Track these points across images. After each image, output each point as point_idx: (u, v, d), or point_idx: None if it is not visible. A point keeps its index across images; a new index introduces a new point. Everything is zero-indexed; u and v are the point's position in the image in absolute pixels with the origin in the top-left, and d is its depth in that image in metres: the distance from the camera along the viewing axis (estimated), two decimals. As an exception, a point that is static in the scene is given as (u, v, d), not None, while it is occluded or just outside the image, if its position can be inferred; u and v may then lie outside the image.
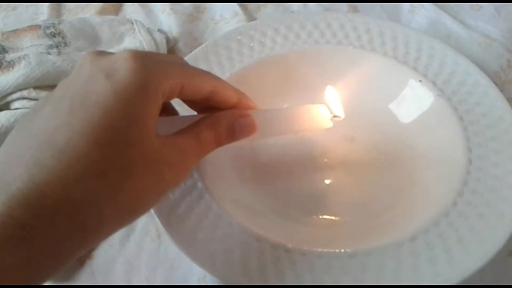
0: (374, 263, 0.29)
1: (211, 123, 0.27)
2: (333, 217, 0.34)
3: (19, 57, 0.42)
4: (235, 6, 0.53)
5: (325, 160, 0.38)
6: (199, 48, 0.41)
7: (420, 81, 0.38)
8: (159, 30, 0.50)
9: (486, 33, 0.48)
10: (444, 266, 0.28)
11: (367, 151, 0.38)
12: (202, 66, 0.39)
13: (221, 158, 0.35)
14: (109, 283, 0.34)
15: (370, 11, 0.52)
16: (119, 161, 0.22)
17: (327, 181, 0.37)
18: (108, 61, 0.23)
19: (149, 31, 0.48)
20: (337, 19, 0.42)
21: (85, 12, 0.55)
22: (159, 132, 0.24)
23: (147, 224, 0.36)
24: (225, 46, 0.41)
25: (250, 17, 0.52)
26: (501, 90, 0.37)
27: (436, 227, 0.30)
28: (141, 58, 0.23)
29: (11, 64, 0.42)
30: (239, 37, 0.42)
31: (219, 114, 0.28)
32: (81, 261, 0.35)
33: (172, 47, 0.50)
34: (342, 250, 0.29)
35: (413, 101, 0.39)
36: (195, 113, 0.30)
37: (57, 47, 0.45)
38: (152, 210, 0.31)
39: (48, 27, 0.46)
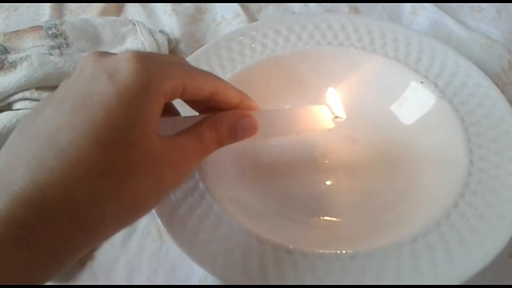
0: (375, 264, 0.29)
1: (213, 123, 0.27)
2: (334, 218, 0.34)
3: (21, 58, 0.42)
4: (236, 7, 0.53)
5: (326, 161, 0.38)
6: (201, 49, 0.41)
7: (422, 82, 0.38)
8: (161, 31, 0.50)
9: (487, 34, 0.48)
10: (445, 267, 0.28)
11: (368, 152, 0.38)
12: (204, 67, 0.39)
13: (222, 159, 0.35)
14: (111, 284, 0.34)
15: (371, 12, 0.52)
16: (121, 162, 0.22)
17: (328, 182, 0.37)
18: (110, 62, 0.23)
19: (150, 32, 0.48)
20: (339, 20, 0.42)
21: (87, 13, 0.55)
22: (161, 133, 0.24)
23: (149, 225, 0.36)
24: (227, 47, 0.41)
25: (252, 18, 0.52)
26: (502, 91, 0.37)
27: (437, 229, 0.30)
28: (143, 58, 0.23)
29: (13, 65, 0.42)
30: (240, 38, 0.42)
31: (220, 115, 0.28)
32: (83, 262, 0.35)
33: (173, 48, 0.50)
34: (343, 251, 0.29)
35: (414, 103, 0.39)
36: (197, 113, 0.30)
37: (59, 48, 0.45)
38: (153, 211, 0.31)
39: (50, 28, 0.46)
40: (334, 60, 0.41)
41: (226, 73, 0.39)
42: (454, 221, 0.30)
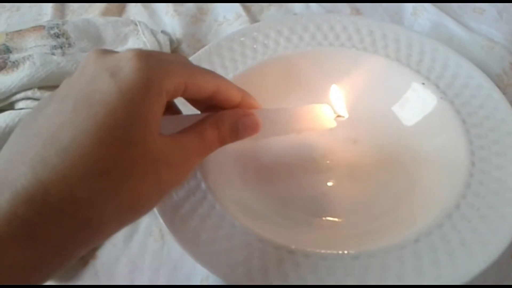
0: (377, 264, 0.29)
1: (215, 121, 0.27)
2: (336, 219, 0.34)
3: (23, 58, 0.42)
4: (238, 8, 0.53)
5: (328, 162, 0.38)
6: (203, 49, 0.41)
7: (423, 83, 0.38)
8: (163, 32, 0.50)
9: (488, 36, 0.48)
10: (447, 268, 0.28)
11: (370, 153, 0.38)
12: (205, 67, 0.39)
13: (224, 159, 0.35)
14: (112, 283, 0.34)
15: (373, 13, 0.52)
16: (122, 161, 0.22)
17: (330, 183, 0.37)
18: (112, 60, 0.23)
19: (152, 32, 0.48)
20: (340, 21, 0.43)
21: (89, 13, 0.55)
22: (162, 131, 0.24)
23: (151, 225, 0.36)
24: (228, 48, 0.41)
25: (253, 19, 0.52)
26: (504, 93, 0.37)
27: (439, 229, 0.30)
28: (145, 57, 0.23)
29: (15, 64, 0.42)
30: (242, 39, 0.42)
31: (222, 113, 0.28)
32: (85, 261, 0.35)
33: (175, 48, 0.50)
34: (346, 252, 0.29)
35: (416, 104, 0.39)
36: (199, 112, 0.30)
37: (61, 47, 0.45)
38: (155, 210, 0.31)
39: (52, 28, 0.46)
40: (335, 61, 0.41)
41: (228, 74, 0.39)
42: (456, 222, 0.30)
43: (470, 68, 0.38)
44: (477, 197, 0.31)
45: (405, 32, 0.41)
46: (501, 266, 0.32)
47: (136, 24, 0.49)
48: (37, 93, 0.41)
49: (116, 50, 0.46)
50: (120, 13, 0.56)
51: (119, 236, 0.36)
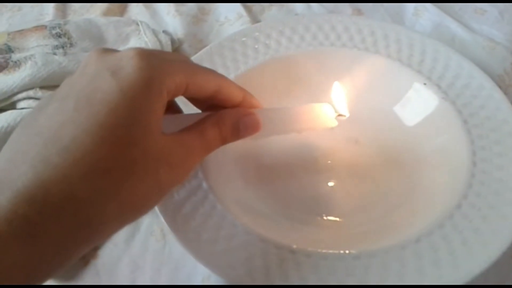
0: (379, 264, 0.29)
1: (216, 121, 0.27)
2: (337, 219, 0.34)
3: (25, 57, 0.42)
4: (239, 8, 0.53)
5: (329, 162, 0.38)
6: (204, 49, 0.41)
7: (425, 84, 0.38)
8: (164, 32, 0.50)
9: (490, 36, 0.48)
10: (448, 268, 0.28)
11: (371, 153, 0.38)
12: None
13: (225, 159, 0.35)
14: (114, 283, 0.34)
15: (374, 13, 0.52)
16: (123, 160, 0.22)
17: (331, 183, 0.37)
18: (113, 59, 0.23)
19: (154, 32, 0.48)
20: (342, 21, 0.43)
21: (90, 13, 0.55)
22: (164, 130, 0.24)
23: (152, 224, 0.36)
24: (230, 48, 0.41)
25: (255, 19, 0.52)
26: (505, 93, 0.37)
27: (440, 229, 0.30)
28: (146, 56, 0.23)
29: (17, 64, 0.42)
30: (243, 39, 0.42)
31: (223, 112, 0.28)
32: (86, 261, 0.35)
33: (177, 48, 0.50)
34: (347, 252, 0.29)
35: (417, 104, 0.39)
36: (200, 111, 0.30)
37: (63, 47, 0.45)
38: (157, 210, 0.31)
39: (54, 28, 0.46)
40: (337, 61, 0.41)
41: (229, 74, 0.39)
42: (457, 222, 0.30)
43: (471, 69, 0.38)
44: (478, 197, 0.31)
45: (407, 33, 0.41)
46: (502, 266, 0.32)
47: (137, 24, 0.49)
48: (39, 93, 0.41)
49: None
50: (121, 13, 0.56)
51: (121, 236, 0.36)
